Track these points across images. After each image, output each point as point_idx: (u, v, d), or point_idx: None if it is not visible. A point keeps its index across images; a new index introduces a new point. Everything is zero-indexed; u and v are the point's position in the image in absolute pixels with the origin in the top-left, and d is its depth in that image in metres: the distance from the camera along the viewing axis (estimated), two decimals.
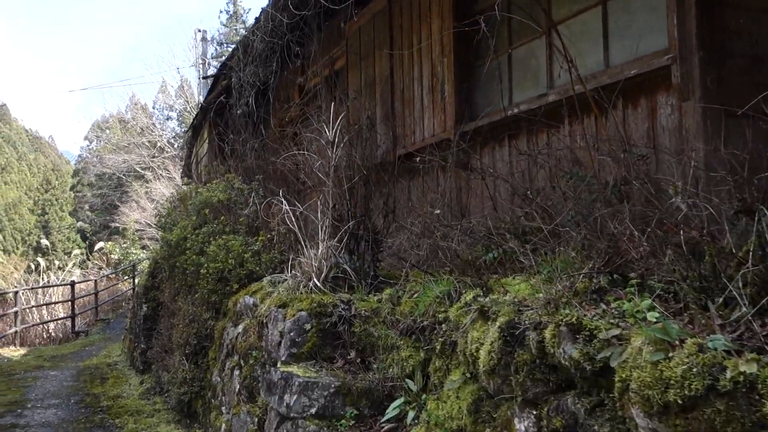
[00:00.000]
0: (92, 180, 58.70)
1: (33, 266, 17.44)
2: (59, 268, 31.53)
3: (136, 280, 20.15)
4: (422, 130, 6.36)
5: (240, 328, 5.06)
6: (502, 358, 2.38)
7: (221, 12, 47.51)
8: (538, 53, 5.11)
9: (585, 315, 2.08)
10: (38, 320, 13.26)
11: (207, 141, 12.14)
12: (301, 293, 4.19)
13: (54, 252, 62.27)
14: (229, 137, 7.31)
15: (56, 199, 67.53)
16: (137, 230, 37.27)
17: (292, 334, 3.71)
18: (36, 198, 70.11)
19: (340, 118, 4.69)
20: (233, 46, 30.25)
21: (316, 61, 7.78)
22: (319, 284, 4.19)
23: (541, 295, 2.46)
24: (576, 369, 1.98)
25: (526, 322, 2.30)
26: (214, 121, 11.65)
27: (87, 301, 15.60)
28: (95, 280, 15.80)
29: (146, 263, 23.96)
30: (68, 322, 13.73)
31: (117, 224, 42.07)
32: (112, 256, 25.24)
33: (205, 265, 5.85)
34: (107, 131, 57.56)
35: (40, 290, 14.12)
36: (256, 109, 7.30)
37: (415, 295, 3.59)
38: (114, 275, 20.52)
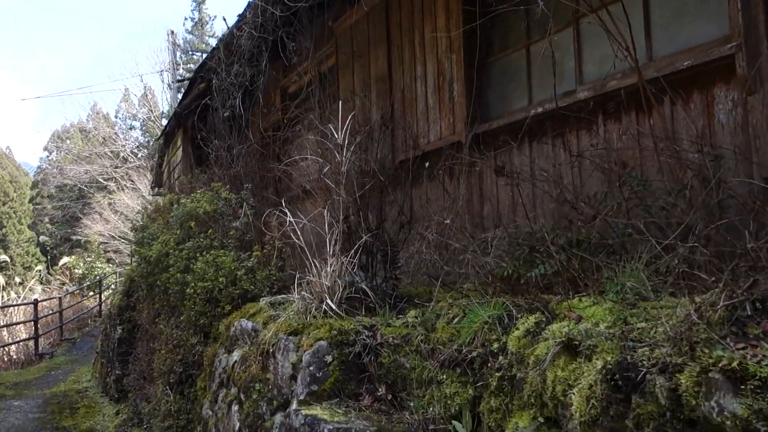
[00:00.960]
0: (52, 192, 56.97)
1: None
2: (20, 283, 30.10)
3: (103, 296, 19.21)
4: (427, 134, 5.88)
5: (236, 355, 4.48)
6: (610, 407, 1.89)
7: (186, 19, 46.45)
8: (563, 46, 4.68)
9: (745, 357, 1.60)
10: None
11: (181, 148, 11.48)
12: (314, 318, 3.64)
13: (13, 267, 60.12)
14: (212, 143, 6.73)
15: (14, 212, 65.23)
16: (101, 243, 36.03)
17: (311, 368, 3.16)
18: None
19: (349, 118, 4.18)
20: (199, 53, 29.35)
21: (306, 60, 7.26)
22: (333, 307, 3.65)
23: (654, 326, 1.97)
24: (744, 430, 1.51)
25: (645, 362, 1.82)
26: (188, 128, 11.01)
27: (51, 320, 14.69)
28: (59, 298, 14.89)
29: (112, 278, 23.00)
30: (31, 344, 12.83)
31: (79, 237, 40.72)
32: (76, 270, 24.14)
33: (192, 284, 5.26)
34: (68, 141, 56.04)
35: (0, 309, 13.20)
36: (243, 112, 6.73)
37: (456, 320, 3.09)
38: (79, 291, 19.52)
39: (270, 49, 6.44)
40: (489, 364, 2.74)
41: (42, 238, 57.59)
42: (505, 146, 5.07)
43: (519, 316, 2.82)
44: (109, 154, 42.57)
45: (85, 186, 45.32)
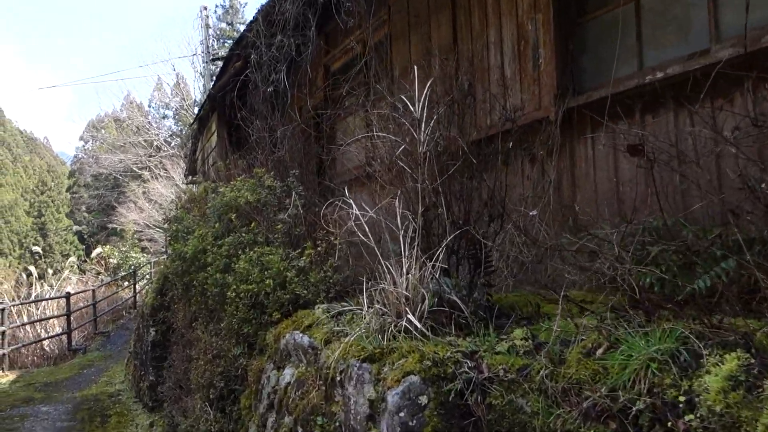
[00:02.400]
0: (88, 181, 57.56)
1: (24, 276, 16.03)
2: (56, 272, 30.13)
3: (137, 287, 18.81)
4: (502, 109, 5.01)
5: (288, 374, 3.72)
6: None
7: (217, 6, 45.86)
8: None
9: None
10: (30, 338, 11.88)
11: (216, 133, 10.78)
12: (394, 338, 2.84)
13: (51, 254, 60.96)
14: (254, 124, 5.96)
15: (52, 201, 66.15)
16: (136, 231, 35.96)
17: (402, 414, 2.36)
18: (32, 200, 68.76)
19: (427, 87, 3.34)
20: (230, 41, 28.65)
21: (353, 33, 6.45)
22: (417, 323, 2.84)
23: None
24: None
25: None
26: (223, 111, 10.29)
27: (84, 312, 14.25)
28: (93, 290, 14.42)
29: (146, 267, 22.62)
30: (64, 338, 12.37)
31: (115, 225, 40.85)
32: (111, 260, 23.85)
33: (233, 286, 4.51)
34: (102, 131, 56.48)
35: (32, 304, 12.72)
36: (288, 88, 5.95)
37: (599, 351, 2.26)
38: (113, 282, 19.14)
39: (318, 15, 5.63)
40: (667, 423, 1.91)
41: (78, 226, 58.27)
42: (609, 122, 4.20)
43: (706, 352, 1.98)
44: (142, 143, 42.61)
45: (120, 175, 45.51)
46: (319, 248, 4.23)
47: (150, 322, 6.92)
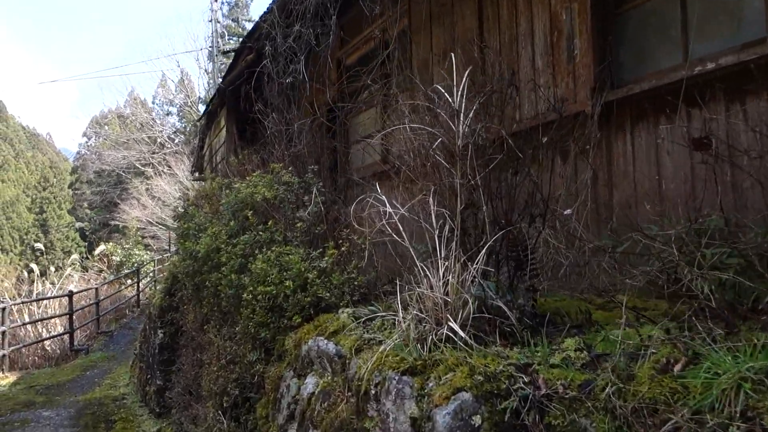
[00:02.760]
0: (91, 177, 57.44)
1: (26, 273, 15.79)
2: (57, 268, 29.90)
3: (141, 285, 18.58)
4: (533, 104, 4.79)
5: (311, 384, 3.48)
6: None
7: (223, 3, 45.55)
8: None
9: None
10: (32, 338, 11.64)
11: (224, 129, 10.54)
12: (435, 346, 2.60)
13: (53, 251, 60.80)
14: (269, 117, 5.71)
15: (54, 197, 65.99)
16: (139, 228, 35.76)
17: None
18: (34, 196, 68.66)
19: (466, 76, 3.10)
20: (236, 38, 28.37)
21: (371, 25, 6.20)
22: (459, 331, 2.60)
23: None
24: None
25: None
26: (233, 106, 10.06)
27: (87, 311, 14.00)
28: (96, 288, 14.18)
29: (150, 265, 22.37)
30: (66, 338, 12.13)
31: (117, 222, 40.68)
32: (114, 257, 23.62)
33: (250, 287, 4.27)
34: (106, 127, 56.36)
35: (33, 303, 12.47)
36: (307, 79, 5.70)
37: (678, 367, 2.02)
38: (116, 280, 18.90)
39: (339, 4, 5.39)
40: None
41: (81, 223, 58.17)
42: (647, 117, 3.97)
43: None
44: (146, 139, 42.49)
45: (123, 171, 45.40)
46: (342, 248, 3.99)
47: (158, 323, 6.66)
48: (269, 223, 4.57)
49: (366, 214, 3.43)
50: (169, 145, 41.50)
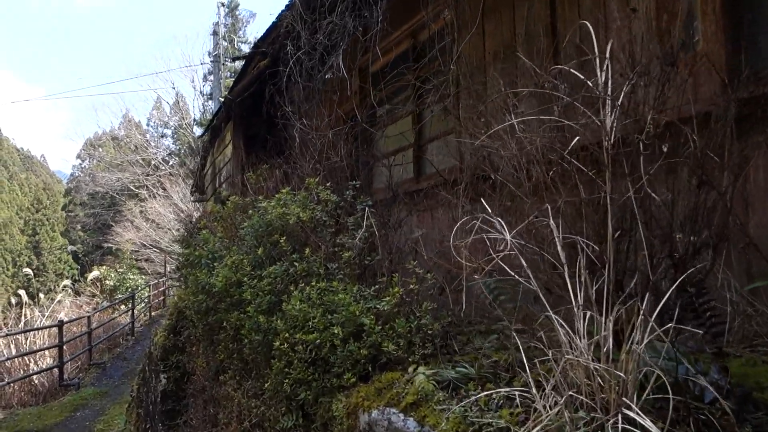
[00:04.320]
0: (84, 199, 56.65)
1: (13, 300, 14.75)
2: (48, 291, 28.74)
3: (136, 311, 17.54)
4: (636, 106, 3.87)
5: None
6: None
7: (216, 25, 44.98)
8: None
9: None
10: (17, 373, 10.58)
11: (231, 144, 9.65)
12: None
13: (45, 273, 59.56)
14: (296, 125, 4.81)
15: (47, 219, 64.95)
16: (132, 251, 34.80)
17: None
18: (27, 218, 67.62)
19: (609, 46, 2.22)
20: (230, 59, 27.59)
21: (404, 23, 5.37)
22: (650, 425, 1.67)
23: None
24: None
25: None
26: (242, 119, 9.19)
27: (79, 341, 12.97)
28: (88, 316, 13.15)
29: (145, 291, 21.33)
30: (56, 371, 11.09)
31: (110, 245, 39.79)
32: (107, 282, 22.57)
33: (284, 333, 3.35)
34: (100, 149, 55.76)
35: (19, 335, 11.42)
36: (347, 77, 4.82)
37: None
38: (110, 308, 17.84)
39: None
40: None
41: (73, 246, 57.28)
42: None
43: None
44: (140, 161, 42.00)
45: (117, 194, 44.80)
46: (411, 285, 3.07)
47: (160, 366, 5.66)
48: (306, 252, 3.64)
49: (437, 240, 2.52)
50: (163, 167, 40.81)
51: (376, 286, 3.32)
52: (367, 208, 3.53)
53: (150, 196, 36.69)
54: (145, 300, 20.70)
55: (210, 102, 41.55)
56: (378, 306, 3.18)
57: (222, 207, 5.64)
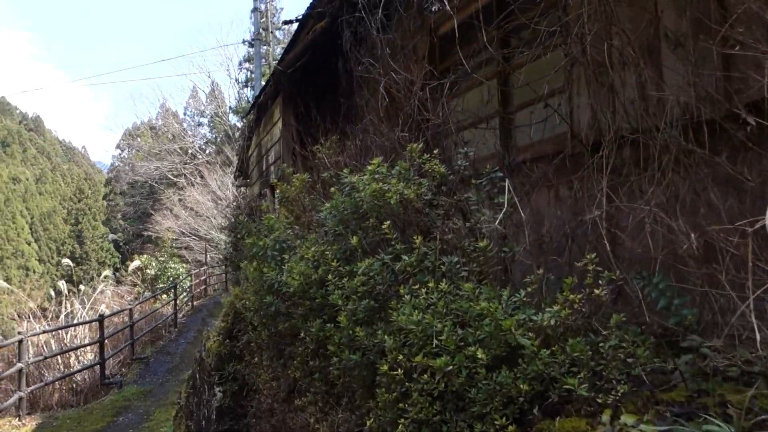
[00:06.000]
0: (124, 188, 57.08)
1: (53, 293, 14.21)
2: (91, 279, 28.59)
3: (177, 302, 16.95)
4: None
5: None
6: None
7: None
8: None
9: None
10: (56, 373, 9.93)
11: (280, 122, 8.75)
12: None
13: (87, 262, 60.30)
14: (382, 81, 3.84)
15: (89, 209, 65.69)
16: (172, 240, 34.60)
17: None
18: (69, 208, 68.63)
19: None
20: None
21: None
22: None
23: None
24: None
25: None
26: (293, 93, 8.26)
27: (121, 335, 12.34)
28: (130, 309, 12.49)
29: (187, 281, 20.72)
30: (96, 368, 10.43)
31: (150, 233, 39.80)
32: (148, 271, 22.07)
33: (393, 353, 2.41)
34: (138, 139, 56.08)
35: (56, 331, 10.75)
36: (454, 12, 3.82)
37: None
38: (153, 298, 17.25)
39: None
40: None
41: (114, 234, 57.88)
42: None
43: None
44: (178, 150, 41.98)
45: (156, 182, 44.93)
46: (595, 291, 2.08)
47: (215, 377, 4.74)
48: (417, 240, 2.68)
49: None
50: (200, 156, 40.57)
51: (528, 289, 2.35)
52: (507, 181, 2.54)
53: (188, 184, 36.50)
54: (187, 289, 20.13)
55: (246, 89, 41.07)
56: (536, 319, 2.20)
57: (279, 189, 4.73)
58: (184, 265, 25.73)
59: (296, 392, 3.41)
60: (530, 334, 2.18)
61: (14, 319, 13.24)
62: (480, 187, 2.86)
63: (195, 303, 20.06)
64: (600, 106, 3.37)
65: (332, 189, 3.26)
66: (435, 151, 3.05)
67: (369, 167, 3.06)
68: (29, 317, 11.96)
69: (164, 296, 17.81)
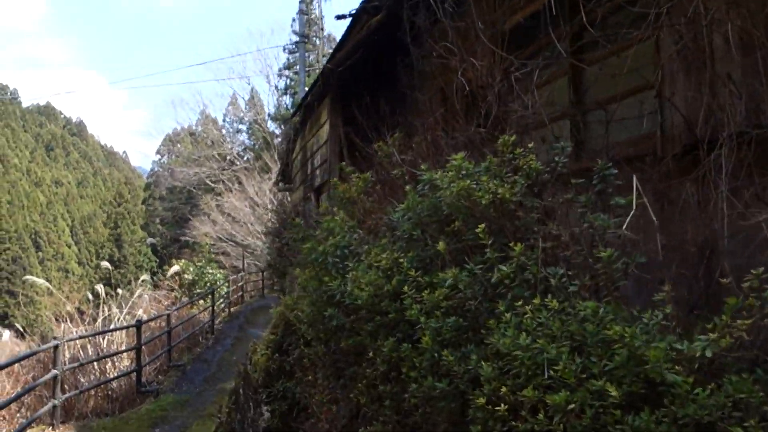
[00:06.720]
0: (163, 193, 57.74)
1: (91, 296, 14.11)
2: (128, 282, 28.76)
3: (215, 308, 16.75)
4: None
5: None
6: None
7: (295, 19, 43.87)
8: None
9: None
10: (92, 379, 9.69)
11: (327, 124, 8.40)
12: None
13: (126, 265, 61.20)
14: (459, 68, 3.43)
15: (128, 213, 66.76)
16: (210, 245, 34.72)
17: None
18: (109, 211, 69.89)
19: None
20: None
21: None
22: None
23: None
24: None
25: None
26: (342, 94, 7.93)
27: (158, 341, 12.12)
28: (168, 314, 12.28)
29: (224, 287, 20.53)
30: (133, 375, 10.19)
31: (188, 238, 40.00)
32: (186, 276, 21.97)
33: (494, 383, 1.97)
34: (178, 145, 56.72)
35: (92, 336, 10.53)
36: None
37: None
38: (190, 304, 17.07)
39: None
40: None
41: (152, 239, 58.59)
42: None
43: None
44: (216, 156, 42.30)
45: (194, 188, 45.33)
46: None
47: (262, 395, 4.34)
48: (517, 248, 2.25)
49: None
50: (238, 162, 40.79)
51: (666, 310, 1.89)
52: (635, 180, 2.10)
53: (226, 190, 36.67)
54: (224, 296, 19.95)
55: (285, 97, 41.17)
56: (682, 348, 1.75)
57: (339, 192, 4.33)
58: (221, 270, 25.63)
59: (360, 418, 3.00)
60: (677, 367, 1.72)
61: (54, 321, 13.15)
62: (586, 187, 2.42)
63: (232, 309, 19.87)
64: (716, 98, 2.90)
65: (407, 187, 2.84)
66: (530, 144, 2.61)
67: (452, 163, 2.63)
68: (67, 320, 11.80)
69: (201, 302, 17.62)
